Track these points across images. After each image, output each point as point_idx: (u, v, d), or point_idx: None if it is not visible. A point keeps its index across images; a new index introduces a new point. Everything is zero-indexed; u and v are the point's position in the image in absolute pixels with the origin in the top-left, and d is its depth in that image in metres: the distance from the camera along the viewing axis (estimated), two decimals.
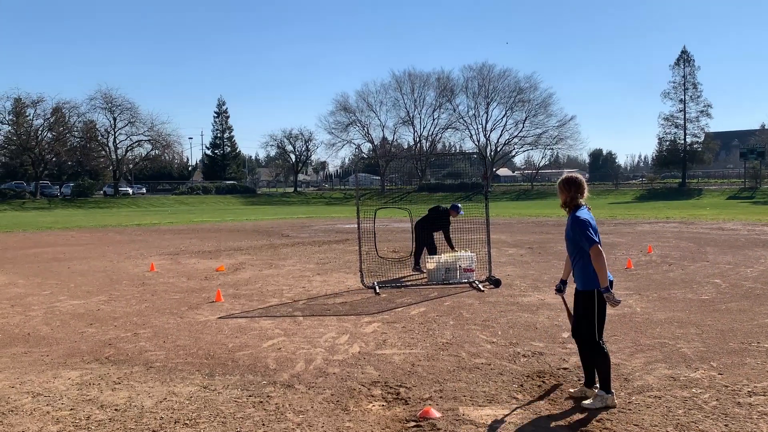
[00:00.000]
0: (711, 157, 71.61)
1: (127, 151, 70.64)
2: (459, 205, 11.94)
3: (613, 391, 4.78)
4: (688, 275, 10.92)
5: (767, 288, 9.49)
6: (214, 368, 5.97)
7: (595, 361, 4.86)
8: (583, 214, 4.85)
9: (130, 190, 71.13)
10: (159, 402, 5.04)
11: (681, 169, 67.71)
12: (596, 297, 4.76)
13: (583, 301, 4.82)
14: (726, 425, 4.33)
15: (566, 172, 5.08)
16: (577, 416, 4.56)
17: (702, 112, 65.64)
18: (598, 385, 4.89)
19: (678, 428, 4.30)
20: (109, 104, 66.75)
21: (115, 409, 4.88)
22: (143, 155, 72.25)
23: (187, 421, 4.62)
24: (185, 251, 16.85)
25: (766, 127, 71.90)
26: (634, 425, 4.37)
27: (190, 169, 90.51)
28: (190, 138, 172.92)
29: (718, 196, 55.19)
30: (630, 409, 4.67)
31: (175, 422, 4.61)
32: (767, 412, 4.54)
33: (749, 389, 5.05)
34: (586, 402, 4.77)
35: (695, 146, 67.15)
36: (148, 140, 69.92)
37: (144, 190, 74.97)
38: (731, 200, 49.87)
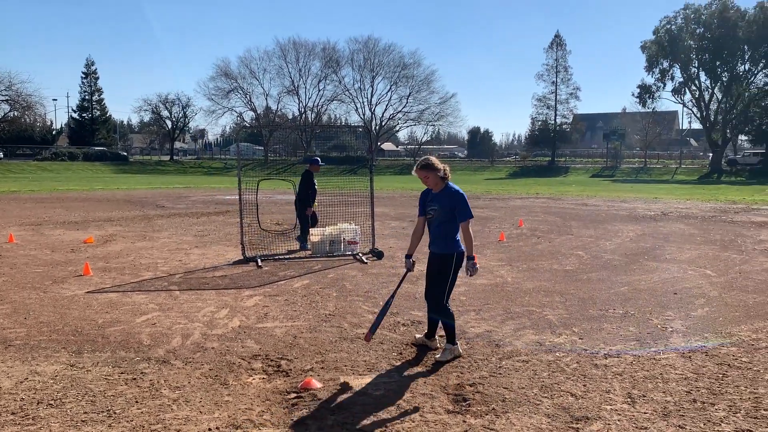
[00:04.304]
0: (578, 137, 76.84)
1: None
2: (316, 157, 12.02)
3: (458, 342, 5.40)
4: (555, 247, 11.69)
5: (624, 259, 10.36)
6: (82, 345, 5.64)
7: (442, 321, 5.36)
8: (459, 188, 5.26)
9: None
10: (19, 382, 4.69)
11: (551, 147, 71.97)
12: (454, 260, 5.19)
13: (441, 263, 5.23)
14: (584, 385, 4.72)
15: (427, 156, 5.44)
16: (453, 381, 4.77)
17: (571, 94, 70.10)
18: (438, 338, 5.53)
19: (543, 389, 4.62)
20: None
21: None
22: (0, 117, 65.93)
23: (52, 402, 4.34)
24: (49, 221, 15.67)
25: (627, 111, 77.81)
26: (504, 388, 4.65)
27: (54, 133, 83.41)
28: (54, 100, 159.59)
29: (583, 173, 59.27)
30: (500, 373, 4.95)
31: (38, 403, 4.31)
32: (620, 373, 4.99)
33: (605, 352, 5.52)
34: (438, 356, 5.29)
35: (564, 126, 71.63)
36: (6, 100, 63.87)
37: (1, 155, 68.51)
38: (594, 178, 53.75)
